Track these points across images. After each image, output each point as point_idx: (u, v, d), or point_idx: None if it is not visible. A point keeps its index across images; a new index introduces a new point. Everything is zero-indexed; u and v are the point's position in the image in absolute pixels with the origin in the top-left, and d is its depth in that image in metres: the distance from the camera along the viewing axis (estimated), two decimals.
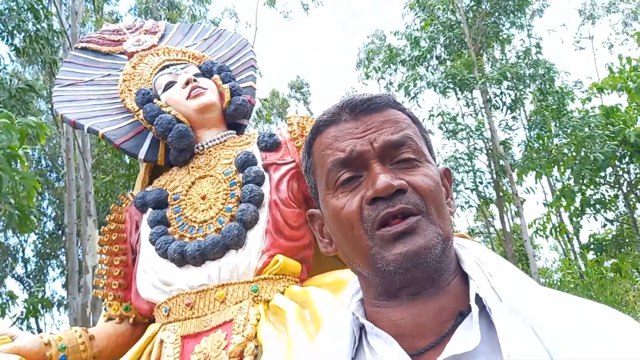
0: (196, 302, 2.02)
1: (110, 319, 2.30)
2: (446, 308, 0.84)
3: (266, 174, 2.21)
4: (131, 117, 2.50)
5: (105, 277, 2.33)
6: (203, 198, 2.20)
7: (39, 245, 15.57)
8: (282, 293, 2.00)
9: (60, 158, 14.43)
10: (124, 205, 2.45)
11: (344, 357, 0.86)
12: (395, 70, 13.90)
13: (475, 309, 0.81)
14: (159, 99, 2.44)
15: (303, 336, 1.74)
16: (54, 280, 16.42)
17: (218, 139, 2.40)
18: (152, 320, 2.20)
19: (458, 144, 12.29)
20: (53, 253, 15.70)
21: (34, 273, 15.47)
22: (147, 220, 2.25)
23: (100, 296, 2.34)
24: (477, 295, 0.82)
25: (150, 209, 2.29)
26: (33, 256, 15.60)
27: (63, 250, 14.85)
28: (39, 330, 15.87)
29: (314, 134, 0.95)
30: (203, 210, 2.18)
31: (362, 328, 0.89)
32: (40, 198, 15.67)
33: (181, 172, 2.37)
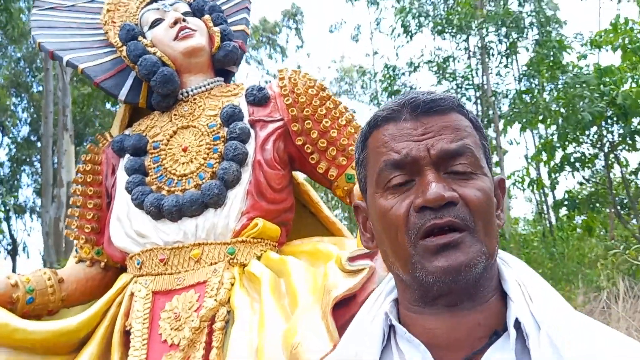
0: (170, 258, 1.97)
1: (81, 260, 2.25)
2: (482, 325, 0.84)
3: (252, 131, 2.12)
4: (113, 52, 2.35)
5: (77, 218, 2.26)
6: (184, 150, 2.11)
7: (13, 150, 15.29)
8: (259, 258, 1.96)
9: (38, 60, 13.92)
10: (100, 145, 2.35)
11: (372, 355, 0.86)
12: None
13: (513, 333, 0.81)
14: (144, 37, 2.28)
15: (276, 309, 1.72)
16: (27, 186, 16.27)
17: (204, 86, 2.28)
18: (125, 267, 2.16)
19: (447, 84, 12.14)
20: (27, 159, 15.44)
21: (6, 178, 15.27)
22: (125, 166, 2.16)
23: (72, 238, 2.28)
24: (516, 319, 0.82)
25: (128, 155, 2.20)
26: (7, 160, 15.36)
27: (38, 157, 14.63)
28: (11, 235, 15.88)
29: (371, 127, 0.92)
30: (183, 163, 2.09)
31: (391, 328, 0.90)
32: (16, 102, 15.25)
33: (163, 118, 2.25)
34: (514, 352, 0.79)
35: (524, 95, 10.64)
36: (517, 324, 0.82)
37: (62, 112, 7.80)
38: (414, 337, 0.85)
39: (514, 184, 12.49)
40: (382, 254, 0.92)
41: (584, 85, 9.69)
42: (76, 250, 2.27)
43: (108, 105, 12.20)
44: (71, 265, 2.27)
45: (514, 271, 0.90)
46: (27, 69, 15.22)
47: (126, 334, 1.91)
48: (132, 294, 1.98)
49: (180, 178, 2.07)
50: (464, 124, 0.88)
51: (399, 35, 12.16)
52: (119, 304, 2.00)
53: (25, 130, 15.46)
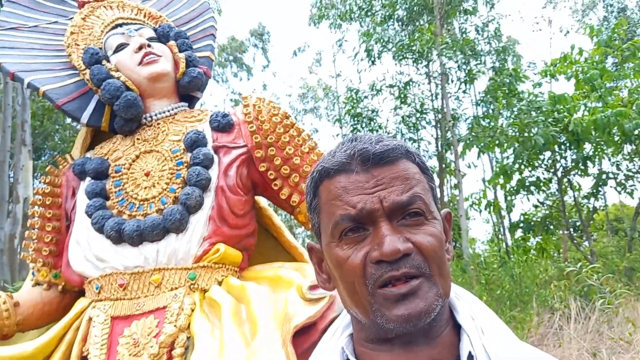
0: (130, 283, 1.97)
1: (37, 284, 2.22)
2: (436, 359, 0.88)
3: (215, 157, 2.14)
4: (76, 74, 2.34)
5: (35, 241, 2.23)
6: (147, 175, 2.12)
7: None
8: (220, 283, 1.97)
9: None
10: (61, 167, 2.33)
11: None
12: (350, 17, 13.53)
13: None
14: (108, 61, 2.29)
15: (237, 336, 1.73)
16: None
17: (168, 111, 2.29)
18: (83, 291, 2.13)
19: (409, 109, 12.36)
20: None
21: None
22: (85, 190, 2.15)
23: (29, 260, 2.24)
24: (469, 352, 0.86)
25: (89, 178, 2.18)
26: None
27: None
28: None
29: (322, 177, 0.94)
30: (145, 188, 2.09)
31: None
32: None
33: (126, 142, 2.25)
34: None
35: (481, 120, 10.92)
36: (470, 357, 0.86)
37: (20, 126, 7.62)
38: None
39: (471, 205, 12.75)
40: (340, 295, 0.95)
41: (539, 111, 10.01)
42: (33, 274, 2.23)
43: (69, 120, 11.98)
44: (27, 289, 2.23)
45: (466, 304, 0.95)
46: None
47: None
48: (90, 319, 1.96)
49: (142, 202, 2.07)
50: (412, 172, 0.92)
51: (361, 60, 12.38)
52: (76, 328, 1.98)
53: None
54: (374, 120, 12.07)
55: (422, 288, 0.85)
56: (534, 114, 10.05)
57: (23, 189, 7.65)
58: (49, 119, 12.13)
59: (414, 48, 10.86)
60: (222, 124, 2.21)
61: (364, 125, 11.87)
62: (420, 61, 11.51)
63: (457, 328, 0.92)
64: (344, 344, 0.95)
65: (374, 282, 0.85)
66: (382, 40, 11.76)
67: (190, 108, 2.39)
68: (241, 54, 19.88)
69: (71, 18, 2.49)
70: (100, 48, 2.33)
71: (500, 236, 14.61)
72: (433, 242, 0.88)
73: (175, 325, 1.81)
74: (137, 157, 2.17)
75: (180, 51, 2.35)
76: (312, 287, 1.64)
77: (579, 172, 11.40)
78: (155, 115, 2.27)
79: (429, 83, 12.21)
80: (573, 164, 11.53)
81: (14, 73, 2.28)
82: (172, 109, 2.30)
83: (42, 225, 2.23)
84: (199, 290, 1.94)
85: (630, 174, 11.64)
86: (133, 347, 1.84)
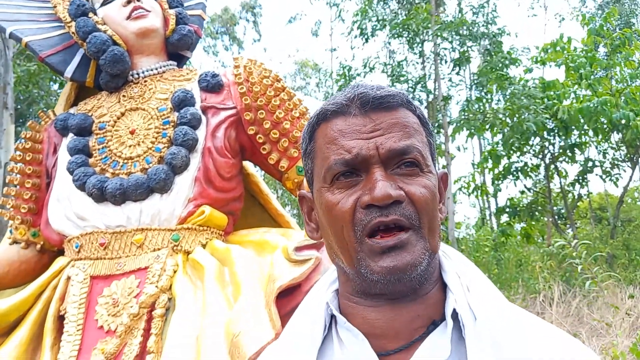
0: (111, 242, 1.91)
1: (15, 242, 2.15)
2: (421, 315, 0.86)
3: (203, 117, 2.08)
4: (61, 27, 2.25)
5: (14, 198, 2.16)
6: (132, 133, 2.05)
7: None
8: (204, 246, 1.93)
9: None
10: (43, 123, 2.25)
11: (312, 343, 0.87)
12: None
13: (450, 323, 0.84)
14: (95, 14, 2.20)
15: (220, 297, 1.69)
16: None
17: (156, 68, 2.22)
18: (62, 251, 2.08)
19: (400, 87, 12.28)
20: None
21: None
22: (67, 146, 2.08)
23: (7, 218, 2.18)
24: (454, 309, 0.85)
25: (71, 135, 2.11)
26: None
27: None
28: None
29: (319, 120, 0.91)
30: (130, 146, 2.03)
31: (333, 317, 0.91)
32: None
33: (111, 98, 2.18)
34: (449, 341, 0.82)
35: (474, 104, 10.90)
36: (455, 315, 0.84)
37: (2, 89, 7.45)
38: (354, 327, 0.87)
39: (459, 189, 12.78)
40: (327, 245, 0.93)
41: (530, 97, 10.00)
42: (10, 232, 2.17)
43: (55, 87, 11.73)
44: (5, 247, 2.16)
45: (454, 263, 0.93)
46: None
47: (60, 319, 1.84)
48: (68, 278, 1.91)
49: (125, 161, 2.01)
50: (412, 121, 0.89)
51: (355, 37, 12.24)
52: (53, 287, 1.93)
53: None
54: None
55: (410, 241, 0.83)
56: (524, 100, 10.03)
57: (4, 153, 7.49)
58: (35, 84, 11.89)
59: (409, 27, 10.74)
60: (212, 84, 2.14)
61: None
62: (414, 40, 11.40)
63: (445, 287, 0.90)
64: (329, 299, 0.92)
65: (363, 228, 0.83)
66: (377, 18, 11.63)
67: (179, 67, 2.32)
68: (232, 27, 19.60)
69: None
70: (87, 0, 2.24)
71: (486, 220, 14.70)
72: (426, 194, 0.85)
73: (156, 286, 1.77)
74: (122, 114, 2.11)
75: (170, 7, 2.27)
76: (298, 249, 1.61)
77: (567, 159, 11.48)
78: (143, 72, 2.20)
79: (422, 63, 12.12)
80: (561, 151, 11.59)
81: None
82: (160, 67, 2.22)
83: (21, 181, 2.16)
84: (182, 252, 1.90)
85: (616, 162, 11.73)
86: (112, 307, 1.80)
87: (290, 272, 1.54)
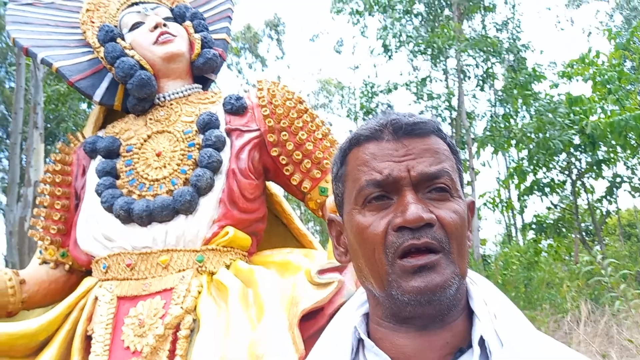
0: (137, 263, 1.94)
1: (44, 262, 2.20)
2: (449, 342, 0.86)
3: (228, 140, 2.11)
4: (90, 52, 2.32)
5: (43, 218, 2.21)
6: (158, 155, 2.09)
7: None
8: (228, 267, 1.94)
9: (10, 54, 13.60)
10: (72, 145, 2.31)
11: None
12: (370, 12, 13.41)
13: (477, 350, 0.84)
14: (123, 39, 2.26)
15: (243, 319, 1.70)
16: None
17: (182, 92, 2.26)
18: (89, 271, 2.11)
19: (424, 105, 12.26)
20: None
21: None
22: (96, 169, 2.12)
23: (37, 238, 2.23)
24: (480, 336, 0.85)
25: (100, 157, 2.16)
26: None
27: (6, 153, 14.27)
28: None
29: (352, 144, 0.93)
30: (156, 168, 2.07)
31: (360, 341, 0.91)
32: None
33: (138, 121, 2.23)
34: None
35: (499, 121, 10.83)
36: (482, 342, 0.84)
37: (33, 109, 7.63)
38: (382, 351, 0.87)
39: (484, 204, 12.66)
40: (356, 268, 0.93)
41: (556, 112, 9.90)
42: (40, 252, 2.22)
43: (83, 106, 11.99)
44: (34, 267, 2.21)
45: (481, 289, 0.93)
46: (0, 65, 14.89)
47: (87, 339, 1.87)
48: (95, 298, 1.94)
49: (152, 183, 2.05)
50: (442, 148, 0.91)
51: (378, 54, 12.29)
52: (81, 307, 1.96)
53: None
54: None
55: (440, 263, 0.84)
56: (550, 115, 9.93)
57: (34, 172, 7.67)
58: (64, 103, 12.16)
59: (434, 44, 10.75)
60: (236, 107, 2.18)
61: None
62: (438, 58, 11.41)
63: (471, 314, 0.90)
64: (357, 323, 0.93)
65: (394, 251, 0.84)
66: (399, 35, 11.67)
67: (204, 90, 2.37)
68: (255, 45, 19.82)
69: None
70: (116, 26, 2.31)
71: (512, 237, 14.50)
72: (456, 219, 0.86)
73: (181, 307, 1.79)
74: (149, 137, 2.15)
75: (196, 32, 2.32)
76: (321, 272, 1.61)
77: (594, 175, 11.29)
78: (169, 95, 2.24)
79: (446, 80, 12.11)
80: (588, 167, 11.42)
81: (28, 48, 2.26)
82: (186, 90, 2.27)
83: (51, 203, 2.21)
84: (206, 272, 1.92)
85: None
86: (138, 328, 1.82)
87: (314, 295, 1.54)
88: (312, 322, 1.51)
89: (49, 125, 11.75)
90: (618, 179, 11.52)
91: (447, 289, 0.83)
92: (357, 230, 0.88)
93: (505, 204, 12.84)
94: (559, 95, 10.88)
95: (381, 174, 0.86)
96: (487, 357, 0.83)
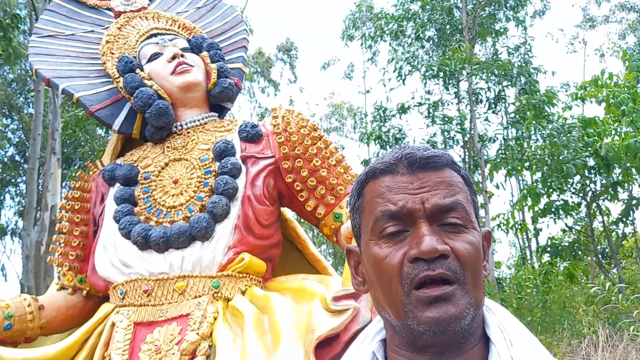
0: (154, 289, 1.97)
1: (62, 288, 2.23)
2: None
3: (243, 167, 2.15)
4: (110, 82, 2.39)
5: (62, 245, 2.25)
6: (175, 182, 2.13)
7: None
8: (244, 293, 1.96)
9: (30, 81, 13.88)
10: (91, 173, 2.36)
11: None
12: (381, 37, 13.53)
13: None
14: (142, 70, 2.32)
15: (259, 346, 1.72)
16: (10, 208, 16.02)
17: (198, 120, 2.31)
18: (107, 297, 2.14)
19: (436, 127, 12.30)
20: (12, 180, 15.27)
21: None
22: (114, 196, 2.17)
23: (55, 264, 2.26)
24: None
25: (118, 184, 2.21)
26: None
27: (23, 178, 14.48)
28: None
29: (368, 177, 0.96)
30: (173, 195, 2.11)
31: None
32: (6, 123, 15.15)
33: (155, 149, 2.28)
34: None
35: (510, 142, 10.81)
36: None
37: (51, 135, 7.78)
38: None
39: (498, 226, 12.56)
40: (373, 297, 0.96)
41: (569, 135, 9.88)
42: (58, 277, 2.25)
43: (100, 131, 12.18)
44: (52, 293, 2.25)
45: (497, 317, 0.95)
46: (20, 91, 15.20)
47: None
48: (113, 324, 1.97)
49: (169, 210, 2.08)
50: (456, 180, 0.93)
51: (389, 80, 12.39)
52: (99, 333, 1.99)
53: (11, 150, 15.33)
54: (401, 141, 12.03)
55: (455, 294, 0.86)
56: (564, 138, 9.91)
57: (51, 196, 7.77)
58: (81, 128, 12.35)
59: (446, 68, 10.82)
60: (251, 135, 2.22)
61: (391, 145, 11.83)
62: (450, 81, 11.47)
63: (487, 342, 0.92)
64: (375, 349, 0.95)
65: (410, 282, 0.86)
66: (410, 60, 11.77)
67: (220, 118, 2.41)
68: (268, 70, 20.05)
69: (107, 27, 2.54)
70: (135, 57, 2.37)
71: (527, 260, 14.36)
72: (470, 250, 0.88)
73: (197, 333, 1.81)
74: (166, 164, 2.19)
75: (212, 62, 2.38)
76: (336, 298, 1.63)
77: (609, 197, 11.19)
78: (186, 124, 2.29)
79: (458, 103, 12.15)
80: (602, 189, 11.32)
81: (50, 79, 2.33)
82: (203, 119, 2.32)
83: (69, 229, 2.26)
84: (222, 299, 1.94)
85: None
86: (155, 354, 1.83)
87: (329, 322, 1.56)
88: (328, 350, 1.52)
89: (66, 150, 11.91)
90: (634, 201, 11.39)
91: (462, 319, 0.85)
92: (373, 261, 0.91)
93: (519, 226, 12.74)
94: (572, 117, 10.85)
95: (396, 206, 0.89)
96: None
